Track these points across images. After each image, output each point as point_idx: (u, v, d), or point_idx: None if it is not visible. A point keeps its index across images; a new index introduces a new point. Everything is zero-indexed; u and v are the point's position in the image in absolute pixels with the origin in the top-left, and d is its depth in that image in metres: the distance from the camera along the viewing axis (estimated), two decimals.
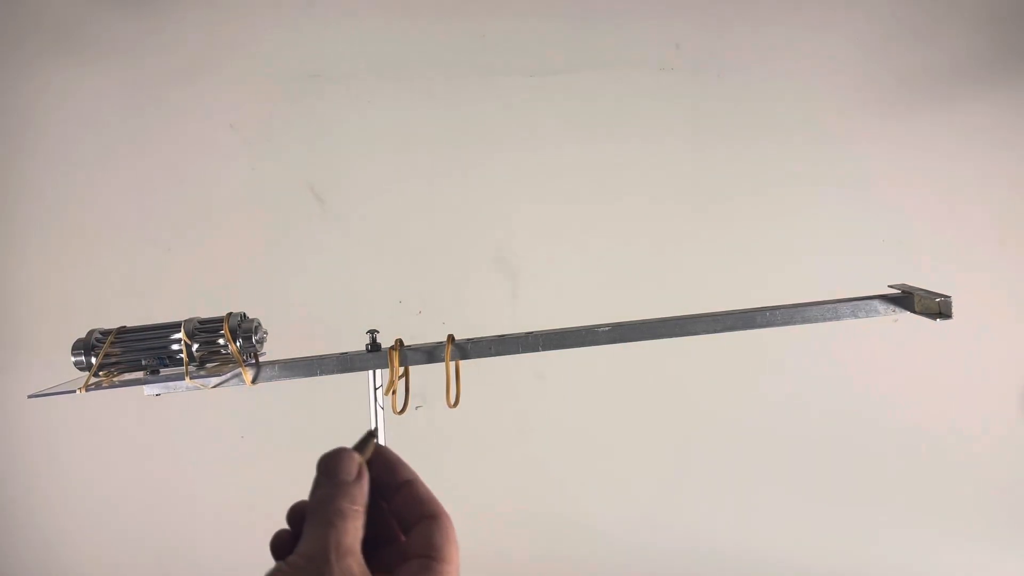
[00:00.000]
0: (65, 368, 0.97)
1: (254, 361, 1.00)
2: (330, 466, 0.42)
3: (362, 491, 0.42)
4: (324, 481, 0.42)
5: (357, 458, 0.43)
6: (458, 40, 1.80)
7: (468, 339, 0.99)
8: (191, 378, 0.96)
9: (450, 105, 1.80)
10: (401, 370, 0.99)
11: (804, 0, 1.78)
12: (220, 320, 0.97)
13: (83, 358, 0.96)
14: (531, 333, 0.98)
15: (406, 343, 1.01)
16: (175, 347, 0.96)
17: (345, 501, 0.41)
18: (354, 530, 0.39)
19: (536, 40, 1.79)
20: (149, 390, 1.00)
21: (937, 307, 0.88)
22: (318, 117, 1.80)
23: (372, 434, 0.45)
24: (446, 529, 0.42)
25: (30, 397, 0.95)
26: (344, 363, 1.01)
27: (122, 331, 0.97)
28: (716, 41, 1.78)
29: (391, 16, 1.80)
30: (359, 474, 0.43)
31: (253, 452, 1.83)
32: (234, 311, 0.99)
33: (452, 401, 0.99)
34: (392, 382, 0.98)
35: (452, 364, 0.98)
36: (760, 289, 1.75)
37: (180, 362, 0.96)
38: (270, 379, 1.01)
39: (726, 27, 1.78)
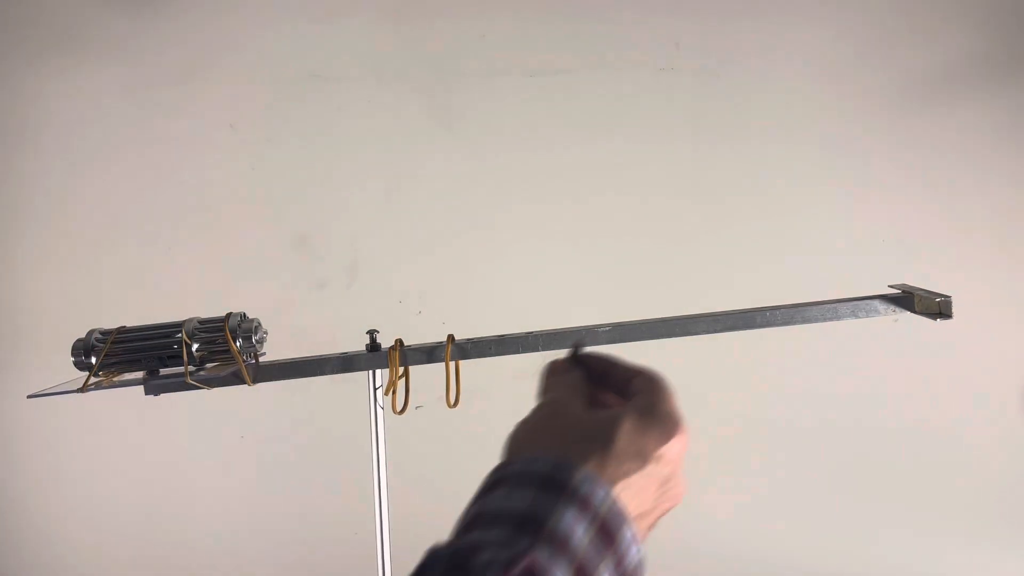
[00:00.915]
0: (65, 368, 0.97)
1: (254, 361, 1.00)
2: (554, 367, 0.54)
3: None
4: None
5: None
6: (458, 40, 1.80)
7: (468, 339, 0.99)
8: (191, 378, 0.96)
9: (450, 105, 1.80)
10: (401, 370, 0.99)
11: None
12: (220, 320, 0.97)
13: (83, 358, 0.96)
14: (531, 333, 0.98)
15: (406, 343, 1.01)
16: (175, 347, 0.96)
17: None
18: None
19: (536, 40, 1.79)
20: (149, 390, 1.00)
21: (937, 307, 0.88)
22: (318, 117, 1.80)
23: (578, 345, 0.55)
24: (647, 375, 0.50)
25: (30, 397, 0.95)
26: (344, 363, 1.01)
27: (122, 331, 0.97)
28: (716, 40, 1.78)
29: (391, 16, 1.80)
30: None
31: (253, 452, 1.83)
32: (234, 311, 0.99)
33: (452, 401, 0.99)
34: (392, 382, 0.98)
35: (452, 364, 0.98)
36: (760, 289, 1.75)
37: (180, 362, 0.96)
38: (270, 379, 1.01)
39: (726, 26, 1.78)
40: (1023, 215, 1.78)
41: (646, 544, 0.43)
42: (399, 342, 1.00)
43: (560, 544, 0.38)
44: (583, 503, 0.40)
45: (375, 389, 1.02)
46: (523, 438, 0.46)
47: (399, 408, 0.99)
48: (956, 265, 1.75)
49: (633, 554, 0.41)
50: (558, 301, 1.76)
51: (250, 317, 1.00)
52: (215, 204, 1.80)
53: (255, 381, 1.00)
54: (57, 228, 1.81)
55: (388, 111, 1.80)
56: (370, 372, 1.01)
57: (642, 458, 0.44)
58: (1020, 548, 1.81)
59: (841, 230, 1.78)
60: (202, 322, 0.98)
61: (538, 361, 0.58)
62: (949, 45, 1.77)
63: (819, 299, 0.95)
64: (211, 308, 1.04)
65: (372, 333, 1.02)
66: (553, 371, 0.54)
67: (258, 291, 1.78)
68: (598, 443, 0.44)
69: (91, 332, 0.97)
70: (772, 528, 1.82)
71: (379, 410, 1.02)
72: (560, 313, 1.73)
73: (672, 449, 0.46)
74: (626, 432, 0.44)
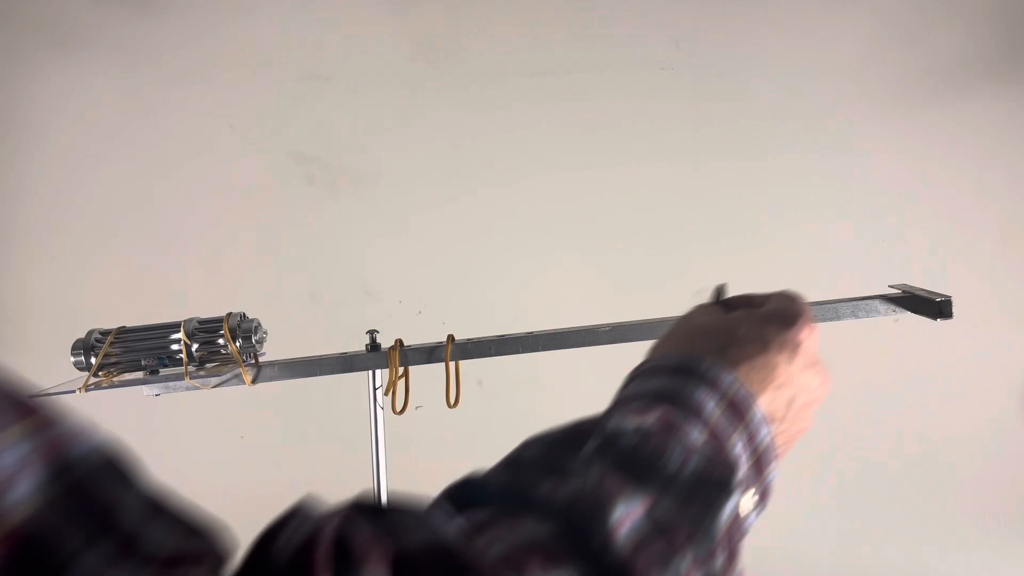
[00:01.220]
0: (65, 368, 0.97)
1: (254, 361, 1.00)
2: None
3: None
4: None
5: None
6: (458, 40, 1.80)
7: (468, 339, 0.99)
8: (191, 378, 0.96)
9: (450, 105, 1.80)
10: (401, 370, 0.99)
11: None
12: (220, 320, 0.97)
13: (83, 358, 0.96)
14: (531, 333, 0.98)
15: (406, 343, 1.01)
16: (175, 347, 0.96)
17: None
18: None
19: (536, 40, 1.79)
20: (149, 390, 1.00)
21: (938, 307, 0.88)
22: (318, 117, 1.80)
23: (720, 290, 0.59)
24: (779, 293, 0.54)
25: (30, 397, 0.94)
26: (344, 363, 1.01)
27: (122, 331, 0.97)
28: (716, 40, 1.78)
29: (391, 16, 1.80)
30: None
31: (253, 452, 1.83)
32: (234, 311, 1.00)
33: (452, 401, 0.99)
34: (391, 382, 0.98)
35: (452, 364, 0.98)
36: (760, 289, 1.75)
37: (180, 362, 0.96)
38: (270, 379, 1.01)
39: (726, 26, 1.78)
40: None
41: (785, 449, 0.46)
42: (399, 342, 1.00)
43: (693, 411, 0.41)
44: (712, 384, 0.42)
45: (375, 389, 1.02)
46: (657, 345, 0.50)
47: (399, 408, 0.99)
48: (956, 265, 1.75)
49: (764, 434, 0.43)
50: (558, 301, 1.76)
51: (250, 317, 1.00)
52: (215, 204, 1.80)
53: (255, 381, 1.00)
54: (57, 228, 1.81)
55: (388, 110, 1.80)
56: (370, 372, 1.01)
57: (763, 343, 0.46)
58: (1020, 548, 1.81)
59: (841, 229, 1.78)
60: (202, 322, 0.98)
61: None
62: (951, 44, 1.77)
63: (819, 299, 0.95)
64: (211, 308, 1.04)
65: (372, 333, 1.02)
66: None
67: (258, 291, 1.78)
68: (722, 336, 0.47)
69: (91, 332, 0.97)
70: (770, 528, 1.82)
71: (379, 410, 1.02)
72: (560, 313, 1.73)
73: (794, 336, 0.47)
74: (746, 323, 0.48)
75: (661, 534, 0.35)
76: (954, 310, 0.87)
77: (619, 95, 1.78)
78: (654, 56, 1.78)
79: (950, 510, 1.81)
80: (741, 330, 0.47)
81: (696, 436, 0.40)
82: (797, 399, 0.46)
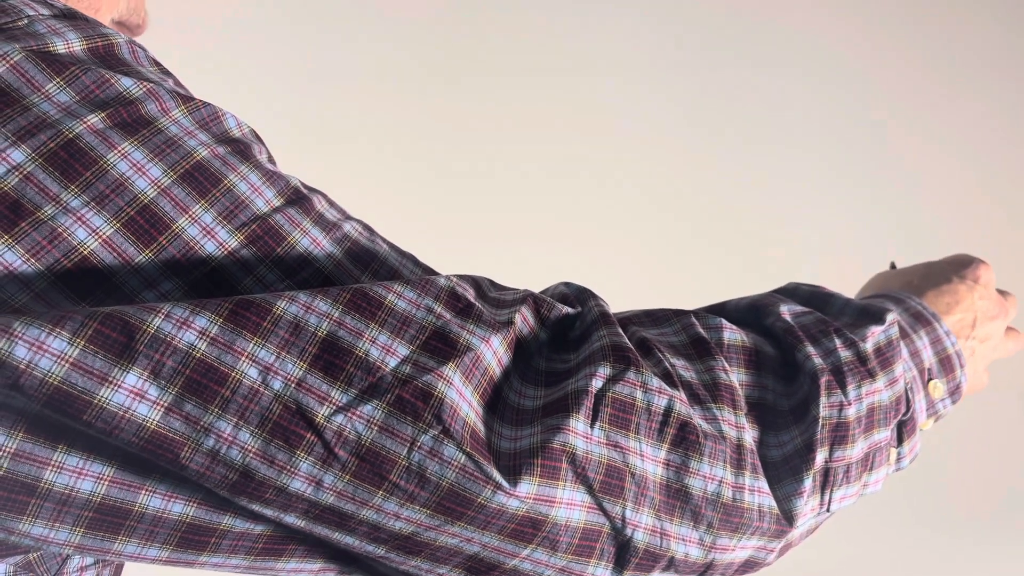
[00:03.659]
0: None
1: None
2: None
3: None
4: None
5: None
6: (458, 40, 1.80)
7: None
8: None
9: (450, 105, 1.80)
10: None
11: None
12: None
13: None
14: None
15: None
16: None
17: None
18: None
19: (536, 40, 1.79)
20: None
21: None
22: (318, 116, 1.80)
23: (893, 264, 0.67)
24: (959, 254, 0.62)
25: None
26: None
27: None
28: (716, 40, 1.78)
29: (390, 16, 1.80)
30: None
31: None
32: None
33: None
34: None
35: None
36: (760, 289, 1.75)
37: None
38: None
39: (727, 25, 1.78)
40: None
41: (972, 366, 0.55)
42: None
43: (877, 312, 0.48)
44: (898, 300, 0.53)
45: None
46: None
47: None
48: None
49: (949, 343, 0.51)
50: None
51: None
52: None
53: None
54: None
55: (388, 110, 1.80)
56: None
57: (945, 277, 0.56)
58: (1021, 548, 1.81)
59: (842, 229, 1.77)
60: None
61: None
62: (950, 43, 1.76)
63: None
64: None
65: None
66: None
67: None
68: (910, 275, 0.58)
69: None
70: None
71: None
72: None
73: (971, 272, 0.57)
74: (927, 265, 0.58)
75: (815, 315, 0.46)
76: None
77: (619, 95, 1.79)
78: (654, 56, 1.78)
79: (948, 510, 1.81)
80: (925, 271, 0.57)
81: (869, 303, 0.49)
82: (980, 319, 0.55)
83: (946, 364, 0.50)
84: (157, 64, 0.40)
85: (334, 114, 1.82)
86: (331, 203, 0.42)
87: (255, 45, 1.83)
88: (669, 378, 0.38)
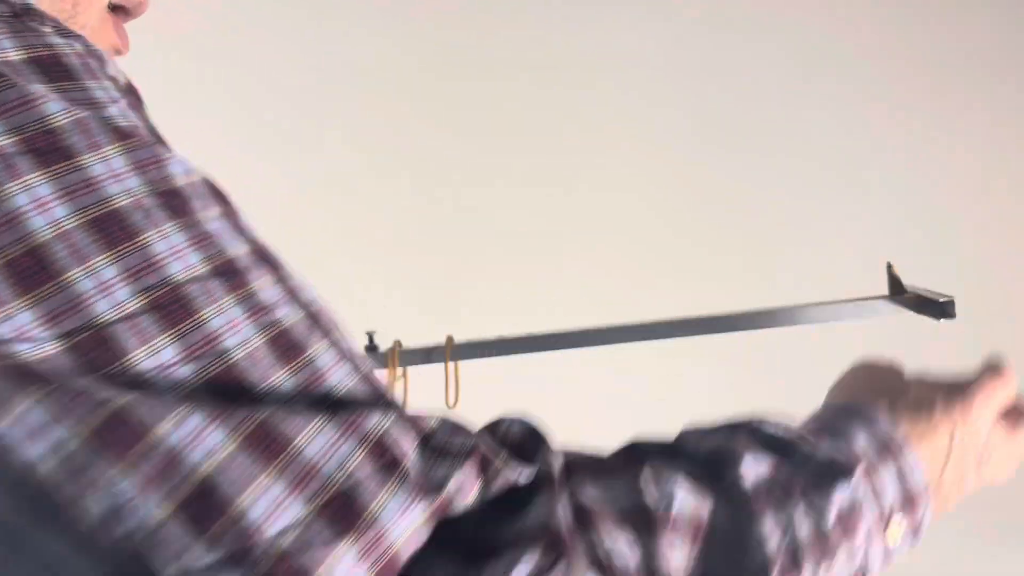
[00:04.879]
0: None
1: None
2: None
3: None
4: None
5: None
6: (458, 39, 1.79)
7: (468, 340, 0.98)
8: None
9: (449, 105, 1.79)
10: (400, 371, 0.99)
11: None
12: None
13: None
14: (532, 334, 0.98)
15: (404, 344, 1.01)
16: None
17: None
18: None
19: (536, 40, 1.78)
20: None
21: (941, 308, 0.87)
22: (318, 116, 1.80)
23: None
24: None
25: None
26: None
27: None
28: (717, 39, 1.78)
29: (390, 15, 1.79)
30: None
31: None
32: None
33: (452, 402, 0.98)
34: (390, 383, 0.98)
35: (451, 365, 0.98)
36: (760, 289, 1.75)
37: None
38: None
39: (727, 25, 1.78)
40: None
41: (943, 510, 0.49)
42: (397, 343, 0.99)
43: (844, 436, 0.45)
44: (867, 421, 0.46)
45: None
46: (832, 393, 0.56)
47: None
48: (956, 265, 1.75)
49: (917, 477, 0.46)
50: (558, 302, 1.76)
51: None
52: None
53: None
54: None
55: (388, 110, 1.80)
56: None
57: (929, 407, 0.49)
58: (1020, 548, 1.80)
59: (842, 229, 1.77)
60: None
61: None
62: (951, 42, 1.76)
63: (820, 300, 0.94)
64: None
65: (370, 334, 1.01)
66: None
67: None
68: (891, 392, 0.50)
69: None
70: None
71: None
72: (561, 314, 1.72)
73: (962, 410, 0.49)
74: (916, 385, 0.51)
75: (779, 475, 0.41)
76: (957, 310, 0.87)
77: (619, 95, 1.78)
78: (654, 56, 1.78)
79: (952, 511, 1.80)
80: (910, 391, 0.50)
81: (836, 446, 0.43)
82: (958, 454, 0.49)
83: (909, 502, 0.46)
84: (114, 80, 0.35)
85: (334, 114, 1.81)
86: (281, 279, 0.36)
87: (253, 36, 1.82)
88: (601, 570, 0.34)
